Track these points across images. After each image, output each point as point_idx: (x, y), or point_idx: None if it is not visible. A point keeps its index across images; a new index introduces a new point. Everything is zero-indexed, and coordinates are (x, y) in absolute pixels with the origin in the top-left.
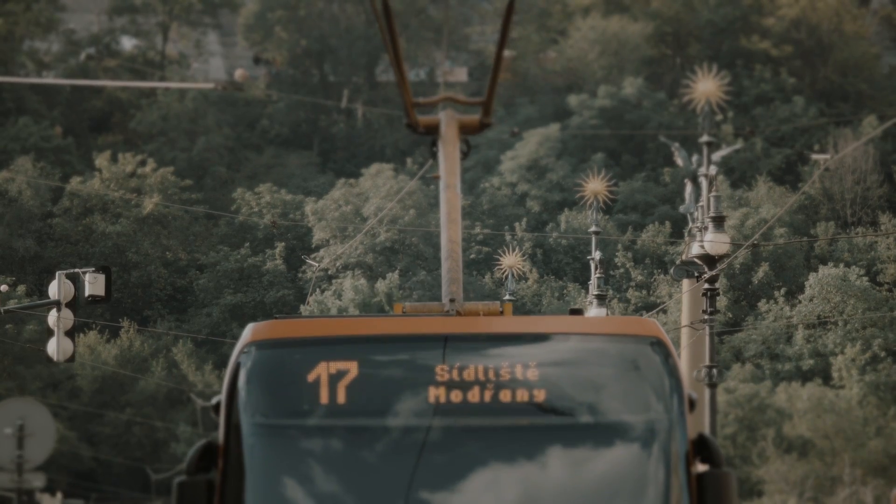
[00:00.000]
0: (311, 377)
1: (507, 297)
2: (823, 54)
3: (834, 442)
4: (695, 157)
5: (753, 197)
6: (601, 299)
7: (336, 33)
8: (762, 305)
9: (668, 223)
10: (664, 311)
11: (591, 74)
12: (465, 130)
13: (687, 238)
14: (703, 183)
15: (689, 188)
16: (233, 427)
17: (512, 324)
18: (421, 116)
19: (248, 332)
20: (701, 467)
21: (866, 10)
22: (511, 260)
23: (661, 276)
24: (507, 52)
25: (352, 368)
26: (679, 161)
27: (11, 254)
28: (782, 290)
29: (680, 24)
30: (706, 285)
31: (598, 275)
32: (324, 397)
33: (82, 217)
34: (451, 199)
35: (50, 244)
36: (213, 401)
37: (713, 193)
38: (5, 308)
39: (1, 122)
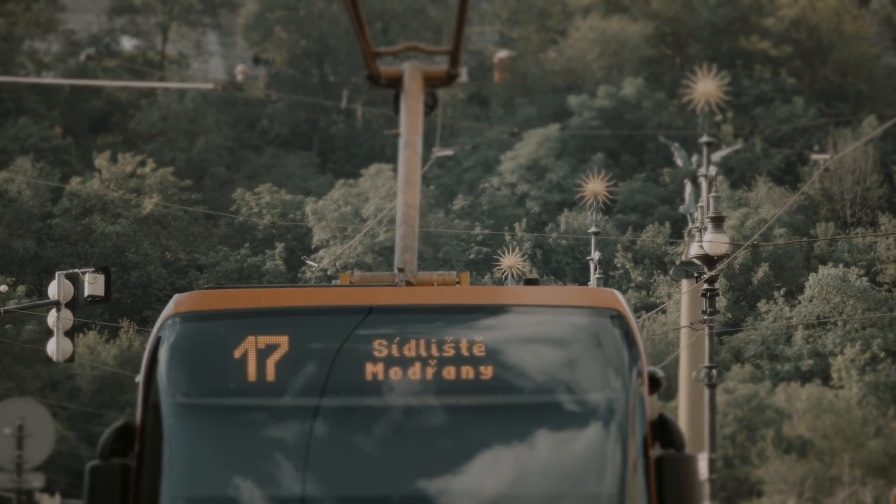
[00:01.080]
0: (237, 353)
1: None
2: (823, 54)
3: (833, 442)
4: (694, 158)
5: (753, 197)
6: None
7: (336, 33)
8: (762, 306)
9: (667, 223)
10: (664, 312)
11: (590, 74)
12: (431, 83)
13: (686, 238)
14: (703, 183)
15: (688, 188)
16: (151, 407)
17: (460, 295)
18: (384, 68)
19: (172, 303)
20: (662, 451)
21: (866, 10)
22: (511, 260)
23: (661, 276)
24: (506, 52)
25: (282, 343)
26: (679, 161)
27: (11, 254)
28: (782, 291)
29: (680, 25)
30: (706, 286)
31: (597, 275)
32: (251, 374)
33: (82, 217)
34: (410, 158)
35: (49, 244)
36: (137, 379)
37: (713, 194)
38: (5, 308)
39: (1, 122)
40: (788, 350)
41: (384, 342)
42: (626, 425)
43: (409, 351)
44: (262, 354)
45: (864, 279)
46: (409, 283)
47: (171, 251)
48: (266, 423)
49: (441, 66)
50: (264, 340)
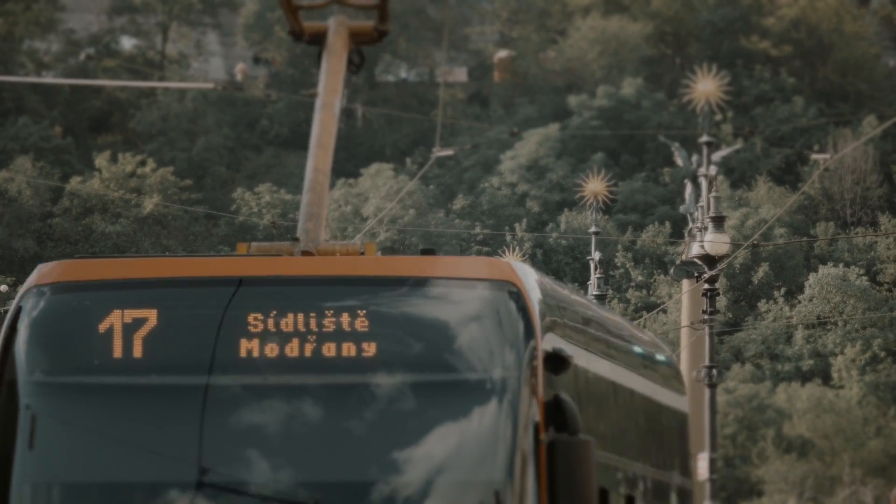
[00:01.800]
0: (102, 327)
1: None
2: (823, 54)
3: (833, 442)
4: (695, 158)
5: (753, 197)
6: (601, 300)
7: None
8: (762, 305)
9: (668, 223)
10: (664, 312)
11: (590, 74)
12: (357, 39)
13: (687, 238)
14: (703, 183)
15: (688, 188)
16: (5, 385)
17: (348, 266)
18: (308, 23)
19: (35, 272)
20: (556, 435)
21: (866, 10)
22: (511, 260)
23: (661, 276)
24: (506, 52)
25: (151, 317)
26: (679, 161)
27: (11, 254)
28: (782, 291)
29: (680, 24)
30: (706, 285)
31: (597, 275)
32: (117, 351)
33: (82, 217)
34: (325, 120)
35: (50, 244)
36: None
37: (713, 193)
38: (5, 308)
39: (1, 121)
40: (789, 350)
41: (259, 316)
42: (515, 407)
43: (287, 326)
44: (129, 329)
45: (864, 279)
46: (306, 253)
47: (172, 251)
48: (131, 403)
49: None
50: (131, 314)
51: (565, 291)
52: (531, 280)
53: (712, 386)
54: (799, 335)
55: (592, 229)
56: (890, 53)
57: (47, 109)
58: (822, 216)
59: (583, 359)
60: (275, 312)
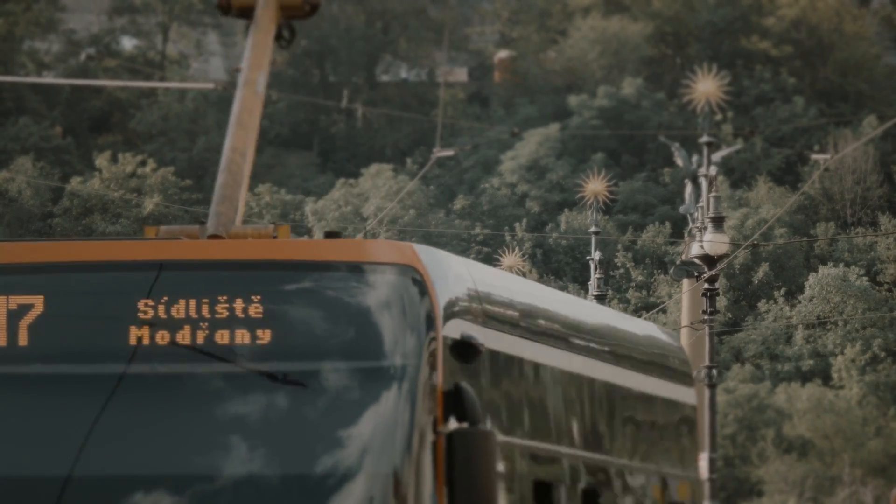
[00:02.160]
0: None
1: None
2: (823, 54)
3: (833, 442)
4: (695, 158)
5: (753, 197)
6: (601, 300)
7: (336, 33)
8: (762, 305)
9: (668, 223)
10: (664, 311)
11: (590, 74)
12: (287, 14)
13: (687, 238)
14: (703, 183)
15: (689, 188)
16: None
17: (245, 249)
18: None
19: None
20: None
21: (866, 10)
22: (511, 260)
23: (661, 276)
24: (506, 52)
25: (37, 303)
26: (679, 161)
27: None
28: (782, 291)
29: (680, 24)
30: (706, 285)
31: (597, 275)
32: (1, 339)
33: (82, 217)
34: (246, 97)
35: None
36: None
37: (713, 194)
38: None
39: (1, 122)
40: (788, 350)
41: (150, 302)
42: (411, 397)
43: (178, 312)
44: (14, 316)
45: (865, 279)
46: (214, 237)
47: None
48: (14, 393)
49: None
50: (16, 300)
51: (509, 280)
52: (438, 264)
53: (712, 386)
54: (799, 335)
55: (592, 229)
56: (890, 53)
57: (48, 109)
58: (822, 216)
59: (517, 347)
60: (166, 299)
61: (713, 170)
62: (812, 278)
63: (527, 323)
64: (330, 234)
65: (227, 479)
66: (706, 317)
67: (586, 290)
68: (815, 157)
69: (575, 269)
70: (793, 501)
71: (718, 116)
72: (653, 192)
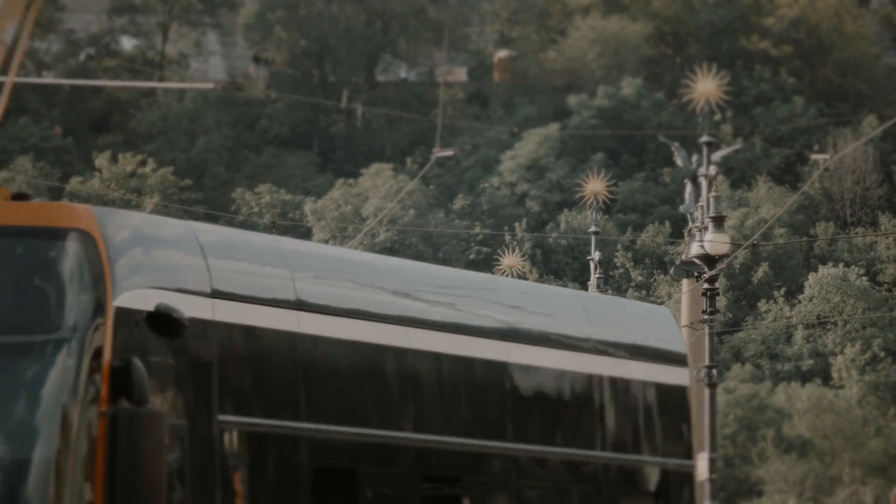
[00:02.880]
0: None
1: None
2: (823, 54)
3: (833, 442)
4: (694, 157)
5: (753, 197)
6: None
7: (336, 33)
8: (762, 305)
9: (667, 223)
10: None
11: (590, 74)
12: None
13: (687, 238)
14: (703, 183)
15: (688, 188)
16: None
17: None
18: None
19: None
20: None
21: (866, 10)
22: (511, 260)
23: (661, 276)
24: (506, 52)
25: None
26: (679, 161)
27: None
28: (782, 290)
29: (679, 24)
30: (706, 285)
31: (597, 275)
32: None
33: None
34: None
35: None
36: None
37: (713, 193)
38: None
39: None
40: (788, 350)
41: None
42: (70, 373)
43: None
44: None
45: (864, 279)
46: None
47: None
48: None
49: None
50: None
51: (269, 247)
52: (125, 229)
53: (712, 386)
54: (799, 335)
55: (592, 229)
56: (889, 53)
57: (47, 109)
58: (822, 216)
59: (270, 319)
60: None
61: (713, 169)
62: (812, 278)
63: (286, 293)
64: (18, 196)
65: None
66: (706, 316)
67: (586, 290)
68: (814, 156)
69: (575, 268)
70: (793, 501)
71: (718, 116)
72: (652, 192)
